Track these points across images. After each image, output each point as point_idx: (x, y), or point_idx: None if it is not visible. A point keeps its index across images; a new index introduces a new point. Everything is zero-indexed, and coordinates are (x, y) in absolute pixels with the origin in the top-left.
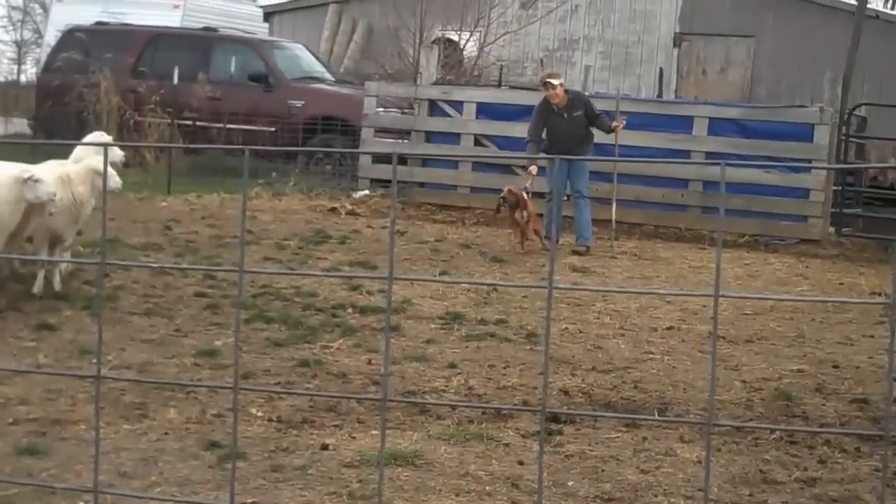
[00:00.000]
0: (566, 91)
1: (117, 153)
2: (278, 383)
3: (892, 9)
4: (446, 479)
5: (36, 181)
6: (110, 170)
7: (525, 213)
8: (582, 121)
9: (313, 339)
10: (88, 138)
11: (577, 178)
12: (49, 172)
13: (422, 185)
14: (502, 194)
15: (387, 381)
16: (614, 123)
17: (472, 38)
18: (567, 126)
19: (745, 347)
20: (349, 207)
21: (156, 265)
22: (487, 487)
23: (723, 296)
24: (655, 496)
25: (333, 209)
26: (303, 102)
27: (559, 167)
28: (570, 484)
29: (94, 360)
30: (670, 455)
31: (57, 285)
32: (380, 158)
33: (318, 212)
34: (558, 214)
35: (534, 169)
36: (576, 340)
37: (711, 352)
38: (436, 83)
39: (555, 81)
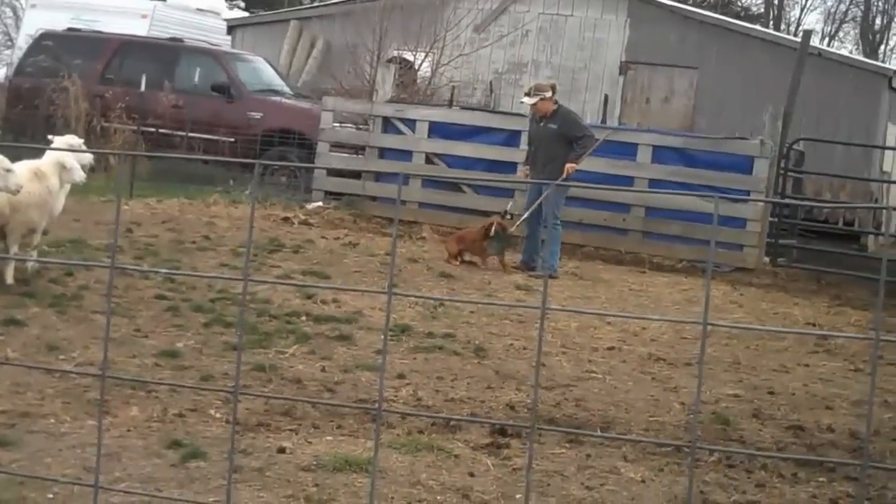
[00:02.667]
0: (556, 103)
1: (87, 155)
2: (233, 388)
3: (829, 45)
4: (398, 488)
5: (8, 170)
6: (75, 163)
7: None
8: (553, 133)
9: (268, 344)
10: (59, 140)
11: (547, 203)
12: (22, 168)
13: (374, 199)
14: (493, 226)
15: (382, 392)
16: (570, 164)
17: (426, 59)
18: (538, 134)
19: (684, 370)
20: (302, 218)
21: (164, 271)
22: (439, 497)
23: (711, 324)
24: None
25: (287, 219)
26: (262, 114)
27: (532, 187)
28: (517, 497)
29: (61, 357)
30: (614, 473)
31: (9, 278)
32: (333, 171)
33: (271, 221)
34: (530, 237)
35: (524, 171)
36: (521, 357)
37: (698, 375)
38: (390, 101)
39: (526, 100)
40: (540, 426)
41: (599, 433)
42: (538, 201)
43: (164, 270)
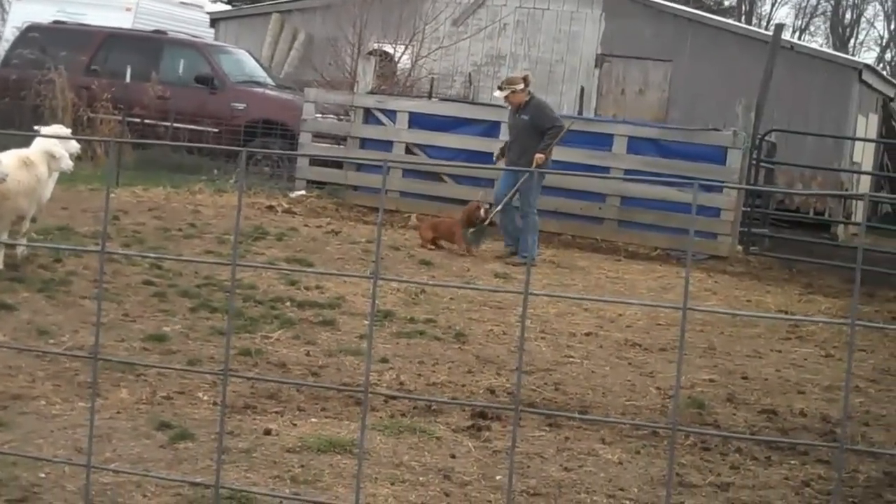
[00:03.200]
0: (530, 94)
1: (74, 144)
2: (222, 370)
3: (800, 39)
4: (382, 468)
5: None
6: (63, 152)
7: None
8: (525, 124)
9: (254, 329)
10: (47, 130)
11: (524, 192)
12: (10, 156)
13: (355, 188)
14: (479, 211)
15: (366, 377)
16: (538, 155)
17: (406, 52)
18: (512, 125)
19: (659, 355)
20: (286, 206)
21: (153, 256)
22: (421, 478)
23: (691, 308)
24: (578, 493)
25: (271, 207)
26: (245, 105)
27: (504, 175)
28: (497, 478)
29: (51, 341)
30: (592, 455)
31: None
32: (316, 161)
33: (256, 209)
34: (505, 221)
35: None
36: (500, 342)
37: (678, 359)
38: (371, 92)
39: (497, 94)
40: (523, 409)
41: (578, 416)
42: (514, 190)
43: (153, 255)
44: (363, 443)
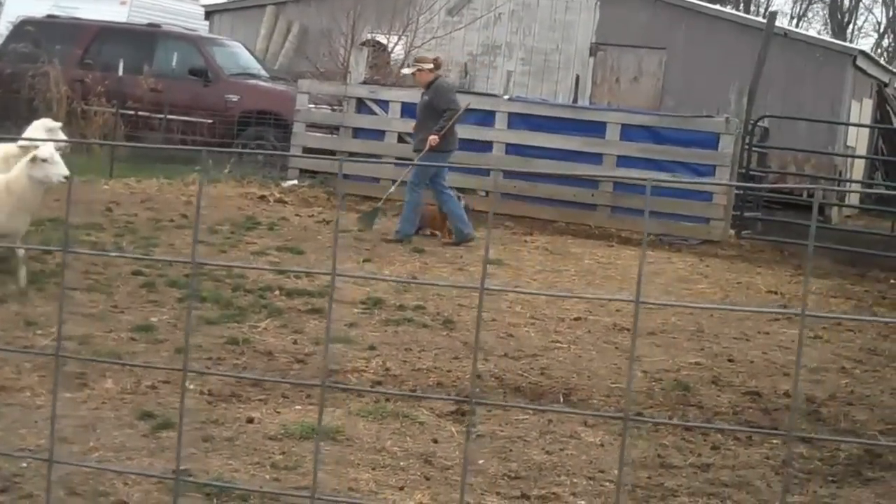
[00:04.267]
0: (437, 76)
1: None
2: (209, 359)
3: (798, 26)
4: (364, 454)
5: (45, 160)
6: (56, 157)
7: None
8: (425, 105)
9: (242, 318)
10: (35, 124)
11: (418, 167)
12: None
13: (346, 176)
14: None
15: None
16: (432, 136)
17: (399, 42)
18: (418, 105)
19: (647, 340)
20: (278, 196)
21: (115, 254)
22: (402, 463)
23: (643, 303)
24: (559, 476)
25: (263, 197)
26: (239, 97)
27: (424, 158)
28: (480, 462)
29: (39, 332)
30: (574, 438)
31: None
32: (309, 150)
33: (248, 199)
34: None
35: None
36: (489, 328)
37: (630, 351)
38: (364, 83)
39: (405, 71)
40: (478, 401)
41: (528, 404)
42: (405, 172)
43: (114, 254)
44: (319, 424)
